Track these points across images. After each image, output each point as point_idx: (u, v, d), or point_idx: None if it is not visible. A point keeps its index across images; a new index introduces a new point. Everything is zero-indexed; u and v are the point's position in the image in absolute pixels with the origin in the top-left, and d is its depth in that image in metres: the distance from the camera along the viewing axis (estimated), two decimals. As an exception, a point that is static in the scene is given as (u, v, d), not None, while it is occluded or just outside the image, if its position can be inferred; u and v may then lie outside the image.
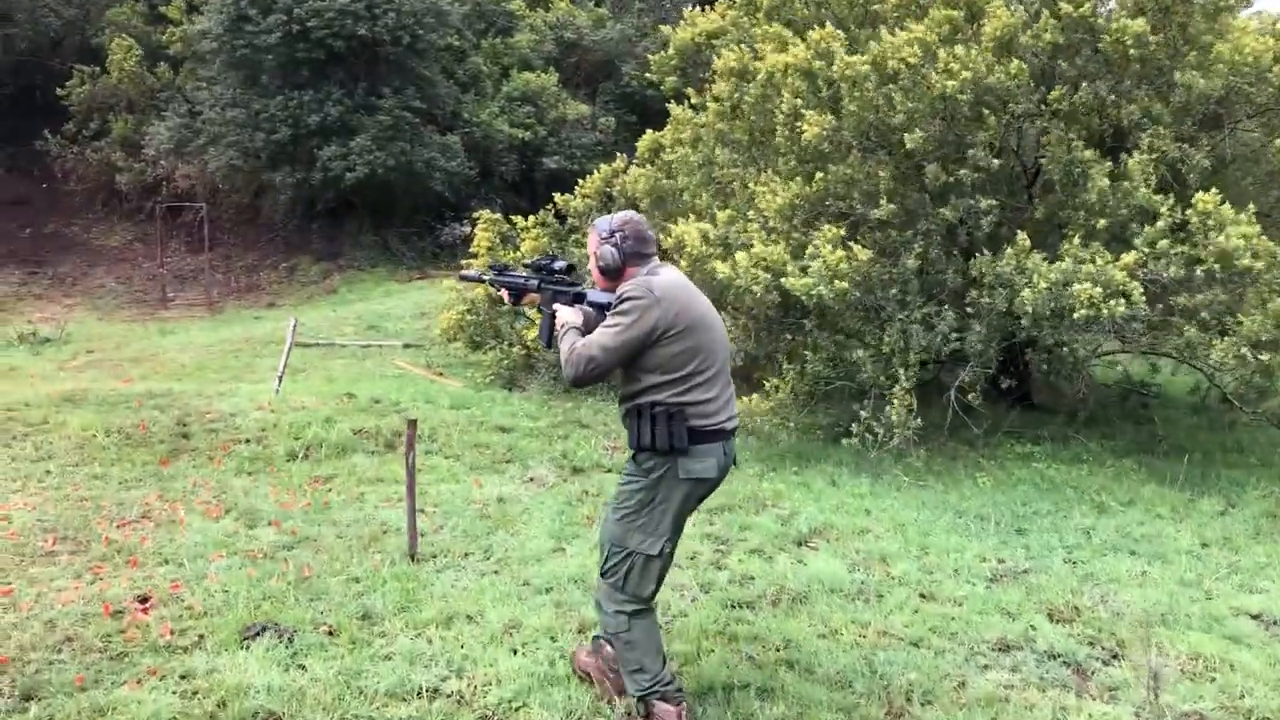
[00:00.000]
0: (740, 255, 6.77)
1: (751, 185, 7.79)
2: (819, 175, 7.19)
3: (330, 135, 19.65)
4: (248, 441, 7.98)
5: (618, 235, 3.58)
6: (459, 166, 20.88)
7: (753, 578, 5.45)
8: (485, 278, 4.22)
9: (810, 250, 6.90)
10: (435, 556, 5.59)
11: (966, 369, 7.48)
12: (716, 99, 8.64)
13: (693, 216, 8.04)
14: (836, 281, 6.49)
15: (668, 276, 3.55)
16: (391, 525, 6.15)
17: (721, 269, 6.81)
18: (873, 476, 7.71)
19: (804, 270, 6.68)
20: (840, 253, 6.59)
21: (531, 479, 7.44)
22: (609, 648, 3.80)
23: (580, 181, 11.40)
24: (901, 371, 7.09)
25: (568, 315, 3.70)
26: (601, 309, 3.70)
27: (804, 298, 6.62)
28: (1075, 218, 7.49)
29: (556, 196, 11.00)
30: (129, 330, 16.20)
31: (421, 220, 22.19)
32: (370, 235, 21.71)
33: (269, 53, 19.17)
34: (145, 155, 21.69)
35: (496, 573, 5.38)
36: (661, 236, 8.12)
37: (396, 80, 20.29)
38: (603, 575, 3.66)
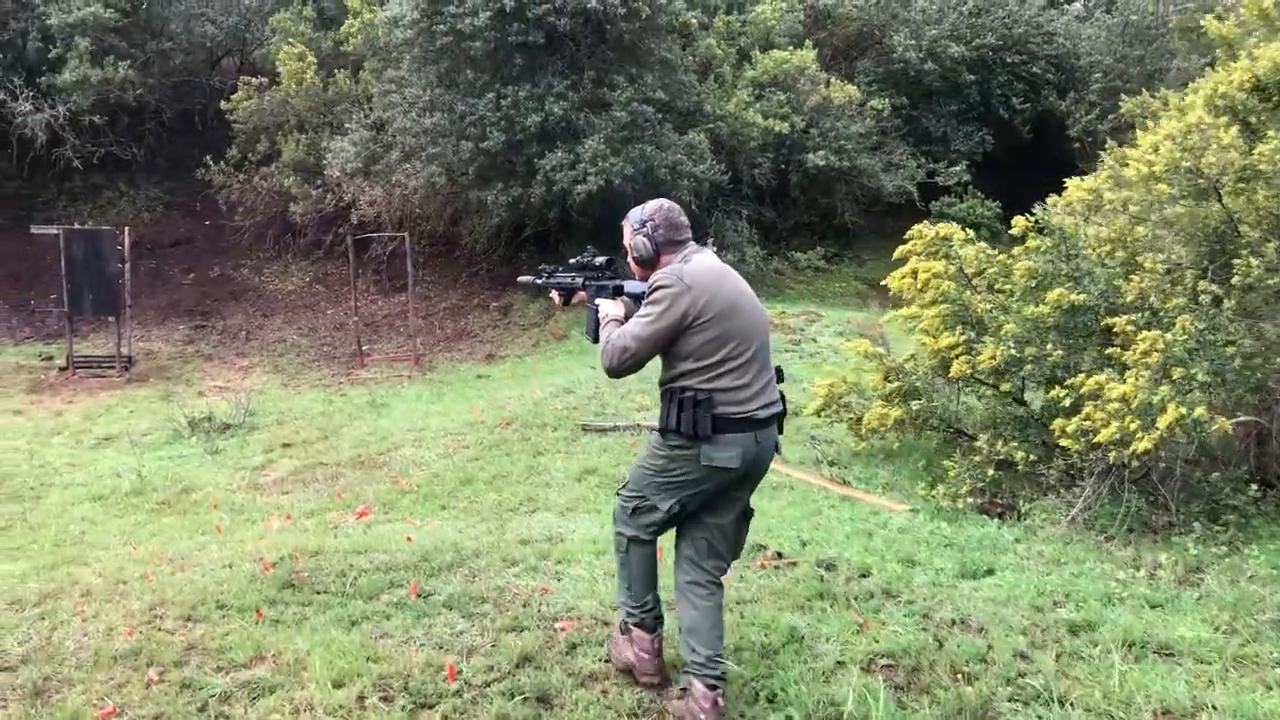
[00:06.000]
0: None
1: None
2: None
3: (553, 139, 15.45)
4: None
5: (648, 225, 3.55)
6: (708, 171, 16.48)
7: None
8: (539, 281, 4.12)
9: None
10: None
11: None
12: None
13: None
14: None
15: (700, 263, 3.50)
16: None
17: None
18: None
19: None
20: None
21: None
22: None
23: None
24: None
25: (609, 308, 3.70)
26: (638, 299, 3.65)
27: None
28: None
29: (1071, 183, 6.37)
30: (327, 403, 12.21)
31: (651, 241, 17.86)
32: (595, 263, 17.48)
33: (475, 39, 15.06)
34: (325, 179, 17.93)
35: None
36: None
37: (631, 66, 16.03)
38: (618, 493, 3.75)
